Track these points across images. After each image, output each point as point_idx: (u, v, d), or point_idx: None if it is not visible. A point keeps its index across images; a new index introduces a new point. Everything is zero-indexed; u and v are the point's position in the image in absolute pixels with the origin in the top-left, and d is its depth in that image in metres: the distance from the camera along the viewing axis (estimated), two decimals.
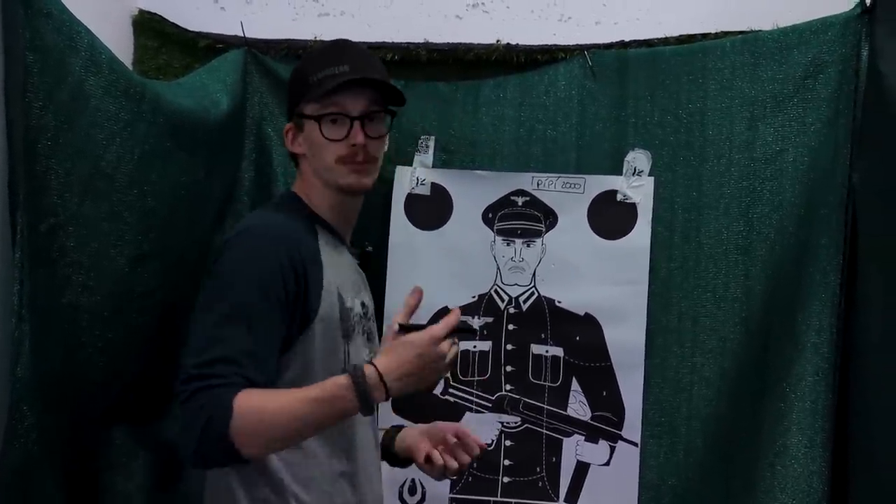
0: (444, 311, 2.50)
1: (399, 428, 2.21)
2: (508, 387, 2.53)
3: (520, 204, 2.55)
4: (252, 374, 1.76)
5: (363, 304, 2.07)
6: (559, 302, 2.53)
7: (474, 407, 2.53)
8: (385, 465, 2.16)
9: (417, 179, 2.57)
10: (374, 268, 2.29)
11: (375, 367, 1.74)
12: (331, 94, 1.97)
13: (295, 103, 2.04)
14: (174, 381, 2.19)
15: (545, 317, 2.53)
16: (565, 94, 2.55)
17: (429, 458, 2.08)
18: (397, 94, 2.05)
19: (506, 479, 2.52)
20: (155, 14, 2.65)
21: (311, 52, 2.12)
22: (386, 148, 2.10)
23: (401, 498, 2.52)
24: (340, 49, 2.04)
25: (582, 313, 2.51)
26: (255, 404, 1.72)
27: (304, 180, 2.07)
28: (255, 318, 1.80)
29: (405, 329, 1.84)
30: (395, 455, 2.17)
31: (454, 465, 2.06)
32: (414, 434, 2.15)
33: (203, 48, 2.62)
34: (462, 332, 1.87)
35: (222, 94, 2.39)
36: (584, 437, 2.50)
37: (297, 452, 1.87)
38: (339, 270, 1.99)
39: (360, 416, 1.81)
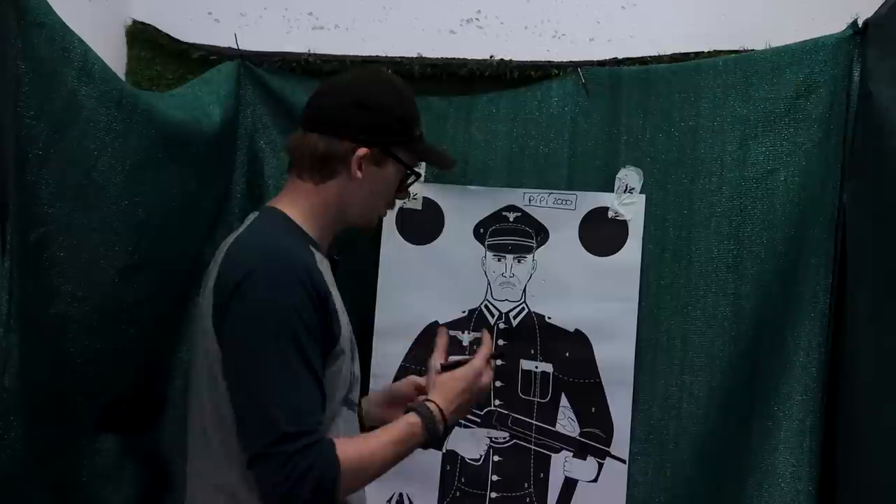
0: (433, 326, 2.53)
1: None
2: (497, 402, 2.53)
3: (511, 220, 2.55)
4: (322, 417, 1.82)
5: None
6: (549, 318, 2.53)
7: (463, 422, 2.53)
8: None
9: (409, 194, 2.57)
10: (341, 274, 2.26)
11: (436, 403, 1.95)
12: (423, 157, 2.17)
13: (386, 136, 2.01)
14: (165, 389, 2.19)
15: (535, 333, 2.53)
16: (558, 111, 2.55)
17: None
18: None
19: (493, 495, 2.52)
20: (148, 25, 2.65)
21: (404, 91, 2.09)
22: None
23: None
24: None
25: (572, 329, 2.51)
26: (356, 455, 1.81)
27: (313, 197, 1.99)
28: (309, 355, 1.79)
29: (447, 368, 2.07)
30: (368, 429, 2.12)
31: None
32: (378, 408, 2.21)
33: (196, 59, 2.61)
34: (494, 357, 2.16)
35: (215, 105, 2.39)
36: (572, 454, 2.50)
37: None
38: (335, 290, 1.96)
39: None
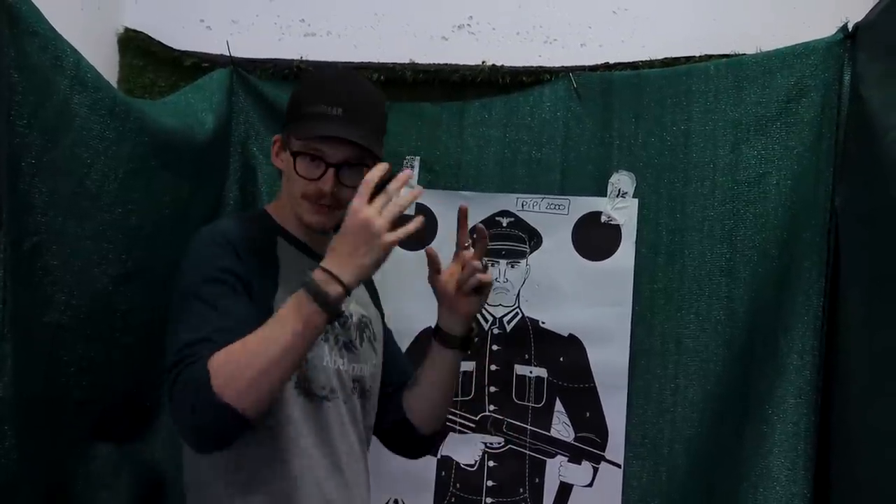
0: (427, 331, 2.52)
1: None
2: (492, 407, 2.53)
3: (504, 225, 2.56)
4: (221, 337, 1.74)
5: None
6: (543, 323, 2.53)
7: (458, 427, 2.53)
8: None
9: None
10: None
11: (321, 266, 1.71)
12: (300, 133, 1.92)
13: (287, 122, 1.98)
14: (159, 396, 2.17)
15: (529, 337, 2.53)
16: (550, 116, 2.56)
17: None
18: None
19: (489, 500, 2.52)
20: (141, 32, 2.65)
21: (317, 76, 2.05)
22: None
23: None
24: (341, 84, 1.96)
25: (566, 334, 2.52)
26: (223, 354, 1.69)
27: (281, 194, 2.03)
28: (218, 294, 1.78)
29: None
30: (452, 337, 2.10)
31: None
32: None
33: (189, 67, 2.62)
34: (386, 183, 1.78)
35: (208, 113, 2.39)
36: (567, 458, 2.50)
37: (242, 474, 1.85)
38: (298, 278, 1.88)
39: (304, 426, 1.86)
